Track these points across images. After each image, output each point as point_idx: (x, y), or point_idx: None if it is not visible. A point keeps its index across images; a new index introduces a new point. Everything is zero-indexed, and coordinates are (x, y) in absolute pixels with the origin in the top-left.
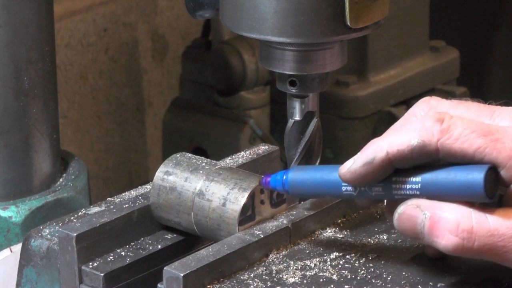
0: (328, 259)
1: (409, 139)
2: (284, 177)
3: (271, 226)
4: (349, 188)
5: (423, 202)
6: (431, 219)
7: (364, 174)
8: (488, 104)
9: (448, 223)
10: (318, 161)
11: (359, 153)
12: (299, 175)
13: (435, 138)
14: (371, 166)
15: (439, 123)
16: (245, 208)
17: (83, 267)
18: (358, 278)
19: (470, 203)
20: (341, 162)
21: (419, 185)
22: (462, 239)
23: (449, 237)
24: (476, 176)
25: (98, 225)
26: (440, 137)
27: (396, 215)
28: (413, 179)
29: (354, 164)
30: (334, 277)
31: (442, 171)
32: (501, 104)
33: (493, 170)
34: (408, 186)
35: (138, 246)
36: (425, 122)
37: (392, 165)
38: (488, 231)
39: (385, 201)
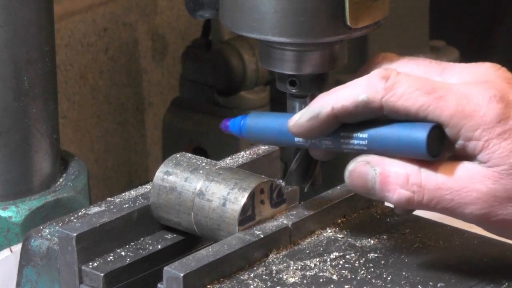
0: (328, 259)
1: (355, 95)
2: (242, 122)
3: (271, 226)
4: (301, 139)
5: (373, 158)
6: (381, 174)
7: (310, 128)
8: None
9: (398, 177)
10: (318, 161)
11: (306, 107)
12: (256, 122)
13: (379, 95)
14: (317, 121)
15: (384, 80)
16: (245, 208)
17: (83, 267)
18: (358, 278)
19: (419, 160)
20: (341, 162)
21: (366, 141)
22: (412, 192)
23: (400, 191)
24: (418, 135)
25: (98, 225)
26: (384, 94)
27: (347, 172)
28: (360, 134)
29: (300, 118)
30: (334, 277)
31: (387, 127)
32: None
33: (438, 129)
34: (355, 142)
35: (138, 246)
36: (371, 79)
37: (338, 120)
38: (436, 184)
39: None
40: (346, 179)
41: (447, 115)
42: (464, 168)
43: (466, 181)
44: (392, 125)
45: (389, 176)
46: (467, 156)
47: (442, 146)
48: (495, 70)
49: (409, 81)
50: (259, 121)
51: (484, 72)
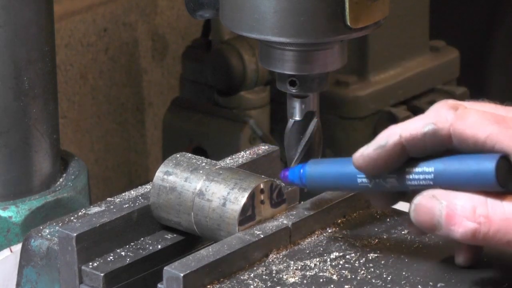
0: (328, 259)
1: (423, 124)
2: (301, 170)
3: (271, 226)
4: (365, 180)
5: (439, 192)
6: (447, 207)
7: (376, 159)
8: (505, 105)
9: (465, 210)
10: None
11: (374, 139)
12: (316, 169)
13: (448, 124)
14: (384, 150)
15: (453, 110)
16: (245, 208)
17: (83, 267)
18: (358, 278)
19: (485, 192)
20: None
21: (432, 175)
22: (479, 224)
23: (466, 224)
24: (487, 165)
25: (98, 225)
26: (453, 122)
27: (412, 206)
28: (426, 169)
29: (367, 149)
30: (334, 277)
31: (454, 159)
32: None
33: (505, 159)
34: (421, 176)
35: (138, 246)
36: (440, 109)
37: (405, 150)
38: (503, 215)
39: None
40: (412, 212)
41: None
42: None
43: None
44: (458, 156)
45: (455, 209)
46: None
47: (510, 176)
48: None
49: (479, 112)
50: (319, 168)
51: None
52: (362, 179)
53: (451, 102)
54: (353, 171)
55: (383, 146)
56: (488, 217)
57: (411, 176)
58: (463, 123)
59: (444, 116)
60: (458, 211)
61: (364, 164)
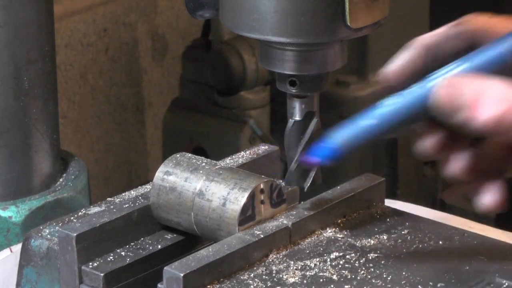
0: (328, 259)
1: (442, 28)
2: (329, 144)
3: (271, 226)
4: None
5: (466, 75)
6: (476, 88)
7: (401, 67)
8: None
9: (495, 91)
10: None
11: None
12: (342, 134)
13: (469, 18)
14: (413, 56)
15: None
16: (245, 208)
17: (83, 267)
18: (358, 278)
19: None
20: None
21: (465, 64)
22: (508, 107)
23: (495, 106)
24: None
25: (98, 225)
26: (475, 16)
27: (436, 88)
28: (455, 64)
29: (395, 62)
30: (334, 277)
31: (487, 47)
32: None
33: None
34: (452, 67)
35: (138, 246)
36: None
37: (427, 54)
38: None
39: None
40: (433, 95)
41: None
42: None
43: None
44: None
45: (484, 90)
46: None
47: None
48: None
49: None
50: (345, 133)
51: None
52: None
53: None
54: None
55: (408, 53)
56: None
57: (440, 72)
58: (483, 16)
59: (463, 18)
60: (487, 93)
61: (393, 75)
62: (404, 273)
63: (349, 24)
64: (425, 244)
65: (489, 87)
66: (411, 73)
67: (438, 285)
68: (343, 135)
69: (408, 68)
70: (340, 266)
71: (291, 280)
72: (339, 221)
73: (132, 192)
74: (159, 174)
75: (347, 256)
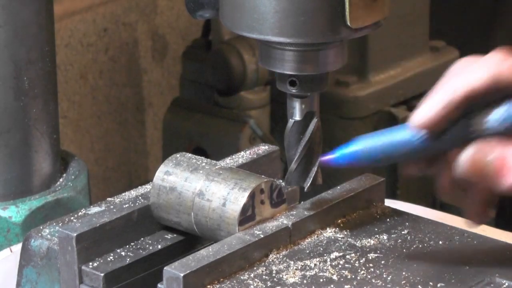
0: (328, 259)
1: (482, 75)
2: (350, 149)
3: (271, 226)
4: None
5: (492, 143)
6: (499, 157)
7: (440, 117)
8: None
9: None
10: (318, 161)
11: (429, 99)
12: (367, 143)
13: (507, 71)
14: (447, 107)
15: (509, 57)
16: (245, 208)
17: (83, 267)
18: (358, 278)
19: None
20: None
21: (504, 116)
22: None
23: None
24: None
25: (98, 225)
26: None
27: (462, 156)
28: (495, 112)
29: (428, 111)
30: (334, 277)
31: None
32: None
33: None
34: (489, 118)
35: (138, 246)
36: (495, 58)
37: (467, 104)
38: None
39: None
40: (461, 163)
41: None
42: None
43: None
44: None
45: (506, 158)
46: None
47: None
48: None
49: None
50: (370, 141)
51: None
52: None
53: (502, 50)
54: (407, 134)
55: (443, 108)
56: None
57: (476, 121)
58: None
59: (500, 63)
60: (509, 162)
61: (427, 124)
62: (404, 273)
63: (349, 24)
64: (425, 244)
65: (510, 155)
66: (445, 123)
67: (438, 285)
68: (370, 145)
69: (443, 119)
70: (340, 266)
71: (291, 280)
72: (339, 221)
73: (132, 192)
74: (159, 174)
75: (347, 256)
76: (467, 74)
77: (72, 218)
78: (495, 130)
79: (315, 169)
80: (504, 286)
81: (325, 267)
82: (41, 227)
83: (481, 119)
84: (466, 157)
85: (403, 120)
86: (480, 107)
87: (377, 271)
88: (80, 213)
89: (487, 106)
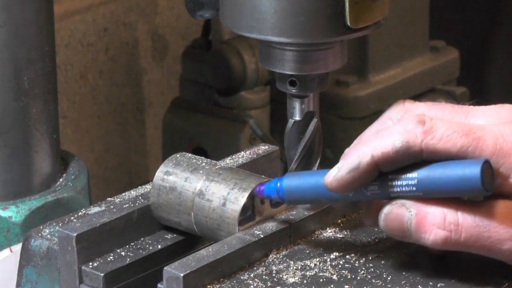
0: (328, 259)
1: (393, 142)
2: (278, 184)
3: (271, 226)
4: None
5: (408, 201)
6: (417, 215)
7: (351, 181)
8: (461, 104)
9: (435, 217)
10: (318, 161)
11: (341, 161)
12: (293, 182)
13: (419, 139)
14: (358, 172)
15: (421, 125)
16: (245, 208)
17: (83, 267)
18: (358, 278)
19: (455, 200)
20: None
21: (416, 180)
22: (449, 231)
23: (437, 231)
24: (473, 169)
25: (98, 225)
26: (423, 138)
27: (382, 215)
28: (409, 175)
29: (339, 172)
30: (334, 277)
31: (438, 166)
32: (473, 104)
33: (488, 164)
34: (404, 183)
35: (138, 246)
36: (407, 125)
37: (378, 169)
38: (474, 222)
39: (364, 205)
40: (381, 222)
41: (486, 154)
42: (502, 205)
43: (504, 217)
44: (441, 163)
45: (425, 216)
46: (504, 193)
47: (492, 182)
48: None
49: (446, 124)
50: (297, 181)
51: (508, 114)
52: None
53: (416, 116)
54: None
55: (356, 168)
56: (458, 225)
57: (394, 183)
58: (433, 137)
59: (413, 132)
60: (428, 219)
61: (338, 187)
62: (404, 273)
63: (349, 24)
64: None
65: (426, 215)
66: (357, 185)
67: (438, 285)
68: (295, 184)
69: (355, 182)
70: (340, 266)
71: (291, 280)
72: (339, 221)
73: (132, 192)
74: (159, 174)
75: (347, 256)
76: (378, 140)
77: (72, 218)
78: (411, 194)
79: (315, 169)
80: (504, 286)
81: (325, 267)
82: (41, 227)
83: (394, 183)
84: (385, 215)
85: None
86: (395, 170)
87: (377, 271)
88: (80, 213)
89: (400, 170)
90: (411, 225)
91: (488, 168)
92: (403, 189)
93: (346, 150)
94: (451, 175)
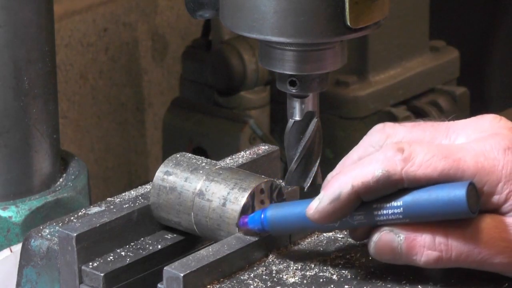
0: (328, 259)
1: (373, 171)
2: (262, 215)
3: None
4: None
5: (395, 228)
6: (406, 239)
7: (332, 211)
8: (441, 120)
9: (424, 239)
10: (318, 161)
11: (322, 192)
12: (277, 212)
13: (398, 168)
14: (339, 202)
15: (400, 152)
16: (245, 208)
17: (83, 267)
18: (358, 278)
19: (442, 221)
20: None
21: (401, 208)
22: (440, 251)
23: (428, 252)
24: (458, 193)
25: (98, 225)
26: (403, 166)
27: (372, 244)
28: (394, 203)
29: (320, 203)
30: (334, 277)
31: (423, 192)
32: (452, 119)
33: (472, 185)
34: (390, 211)
35: (138, 246)
36: (387, 153)
37: (359, 198)
38: (463, 239)
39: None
40: (372, 249)
41: (468, 175)
42: (489, 220)
43: (492, 232)
44: (425, 188)
45: (414, 239)
46: (489, 210)
47: (477, 203)
48: (497, 121)
49: (425, 148)
50: (281, 211)
51: (489, 126)
52: None
53: (394, 144)
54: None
55: (337, 199)
56: (448, 244)
57: (379, 212)
58: (412, 164)
59: (392, 160)
60: (418, 242)
61: (321, 218)
62: (404, 273)
63: (349, 24)
64: None
65: (415, 239)
66: (339, 215)
67: (438, 285)
68: (279, 215)
69: (337, 212)
70: (340, 266)
71: (291, 280)
72: None
73: (132, 192)
74: (159, 174)
75: (347, 256)
76: (359, 169)
77: (72, 218)
78: (398, 221)
79: (315, 169)
80: (504, 286)
81: (325, 267)
82: (41, 227)
83: (379, 212)
84: (375, 243)
85: (403, 120)
86: (380, 198)
87: (377, 271)
88: (80, 213)
89: (386, 197)
90: (402, 249)
91: (472, 189)
92: (389, 217)
93: (326, 180)
94: (437, 201)
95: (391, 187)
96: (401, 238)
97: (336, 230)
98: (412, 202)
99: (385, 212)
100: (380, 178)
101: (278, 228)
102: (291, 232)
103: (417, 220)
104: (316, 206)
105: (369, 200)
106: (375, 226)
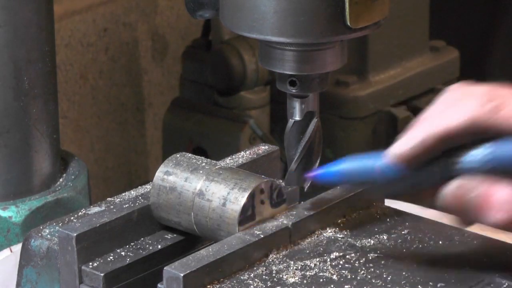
0: (328, 259)
1: (463, 116)
2: (336, 168)
3: (271, 226)
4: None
5: (473, 179)
6: (483, 193)
7: (414, 156)
8: None
9: (499, 200)
10: (318, 161)
11: (407, 134)
12: (352, 165)
13: (488, 115)
14: (422, 147)
15: (492, 101)
16: (245, 208)
17: (83, 267)
18: (358, 278)
19: None
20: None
21: (486, 157)
22: None
23: (499, 213)
24: None
25: (98, 225)
26: (494, 113)
27: (444, 192)
28: (479, 151)
29: (403, 148)
30: (334, 277)
31: (505, 141)
32: None
33: None
34: (472, 159)
35: (138, 246)
36: (478, 99)
37: (444, 144)
38: None
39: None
40: (442, 197)
41: None
42: None
43: None
44: (507, 138)
45: (491, 195)
46: None
47: None
48: None
49: None
50: (355, 164)
51: None
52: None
53: (486, 90)
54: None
55: (420, 144)
56: None
57: (459, 159)
58: (505, 113)
59: (484, 107)
60: (495, 198)
61: (404, 158)
62: (404, 273)
63: (349, 24)
64: (425, 244)
65: (495, 193)
66: (421, 160)
67: (438, 285)
68: (349, 166)
69: (419, 157)
70: (340, 266)
71: (291, 280)
72: (339, 221)
73: (132, 192)
74: (159, 174)
75: (347, 256)
76: (445, 116)
77: (72, 218)
78: (478, 169)
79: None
80: (504, 286)
81: (325, 267)
82: (41, 227)
83: (462, 158)
84: (448, 191)
85: (403, 120)
86: (460, 147)
87: (377, 271)
88: (80, 213)
89: (466, 147)
90: (474, 204)
91: None
92: (471, 165)
93: (410, 125)
94: None
95: (477, 135)
96: (476, 191)
97: (409, 188)
98: (494, 151)
99: (467, 159)
100: (468, 124)
101: (352, 178)
102: (363, 186)
103: (498, 172)
104: (398, 150)
105: (452, 147)
106: (449, 179)
